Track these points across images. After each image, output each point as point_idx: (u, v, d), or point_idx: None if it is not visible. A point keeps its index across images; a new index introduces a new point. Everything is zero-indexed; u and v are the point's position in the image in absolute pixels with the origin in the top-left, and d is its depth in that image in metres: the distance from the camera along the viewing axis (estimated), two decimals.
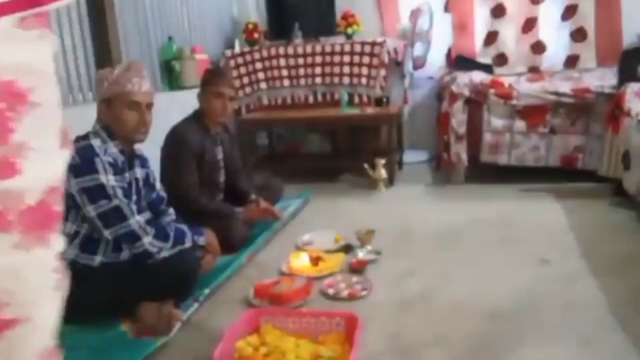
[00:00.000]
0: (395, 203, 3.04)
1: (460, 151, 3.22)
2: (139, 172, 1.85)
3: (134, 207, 1.66)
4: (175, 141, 2.34)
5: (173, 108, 2.75)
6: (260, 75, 3.80)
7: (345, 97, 3.63)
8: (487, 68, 3.81)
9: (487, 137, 3.18)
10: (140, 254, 1.67)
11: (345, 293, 1.88)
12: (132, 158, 1.82)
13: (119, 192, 1.63)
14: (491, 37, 3.93)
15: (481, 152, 3.21)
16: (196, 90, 2.48)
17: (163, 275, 1.69)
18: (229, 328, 1.51)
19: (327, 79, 3.73)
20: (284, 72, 3.75)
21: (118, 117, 1.71)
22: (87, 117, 1.79)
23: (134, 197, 1.76)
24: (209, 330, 1.69)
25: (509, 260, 2.11)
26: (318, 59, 3.69)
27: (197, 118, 2.44)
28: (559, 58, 3.84)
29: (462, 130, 3.19)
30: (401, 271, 2.07)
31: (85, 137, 1.70)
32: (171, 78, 3.24)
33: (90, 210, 1.61)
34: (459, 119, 3.18)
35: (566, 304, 1.72)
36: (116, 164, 1.68)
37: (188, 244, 1.79)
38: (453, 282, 1.94)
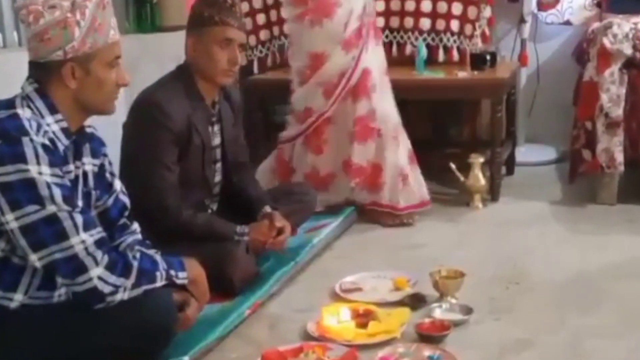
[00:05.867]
0: (500, 230, 3.02)
1: (613, 148, 3.18)
2: (89, 164, 1.89)
3: (80, 219, 1.68)
4: (146, 115, 2.39)
5: (144, 61, 2.82)
6: (285, 12, 3.83)
7: (424, 51, 3.62)
8: None
9: None
10: (85, 294, 1.69)
11: None
12: (81, 141, 1.86)
13: (58, 194, 1.66)
14: None
15: None
16: (182, 34, 2.52)
17: (119, 330, 1.72)
18: None
19: (394, 22, 3.72)
20: None
21: (99, 81, 1.78)
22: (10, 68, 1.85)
23: (80, 203, 1.79)
24: None
25: None
26: None
27: (184, 78, 2.47)
28: None
29: (617, 113, 3.15)
30: (505, 342, 2.06)
31: (10, 103, 1.75)
32: (142, 14, 3.30)
33: (11, 221, 1.65)
34: (613, 94, 3.14)
35: None
36: (55, 150, 1.72)
37: (160, 282, 1.82)
38: None
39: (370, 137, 3.05)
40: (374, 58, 3.11)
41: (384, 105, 3.11)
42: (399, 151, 3.11)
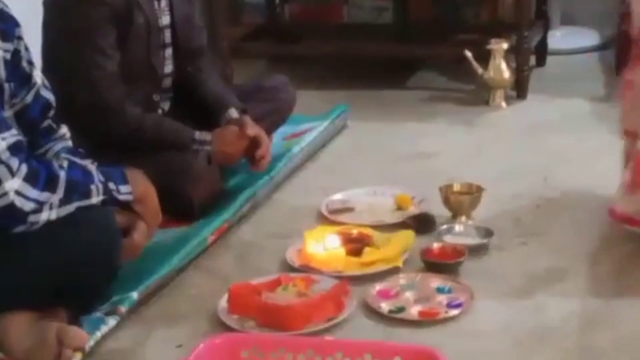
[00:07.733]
0: (527, 135, 3.03)
1: None
2: None
3: None
4: None
5: None
6: None
7: None
8: None
9: None
10: (1, 213, 1.67)
11: (414, 311, 1.90)
12: None
13: None
14: None
15: None
16: None
17: (48, 260, 1.72)
18: None
19: None
20: None
21: None
22: None
23: None
24: None
25: None
26: None
27: None
28: None
29: None
30: (534, 272, 2.07)
31: None
32: None
33: None
34: None
35: None
36: None
37: (96, 197, 1.81)
38: (637, 304, 1.94)
39: None
40: None
41: None
42: None
